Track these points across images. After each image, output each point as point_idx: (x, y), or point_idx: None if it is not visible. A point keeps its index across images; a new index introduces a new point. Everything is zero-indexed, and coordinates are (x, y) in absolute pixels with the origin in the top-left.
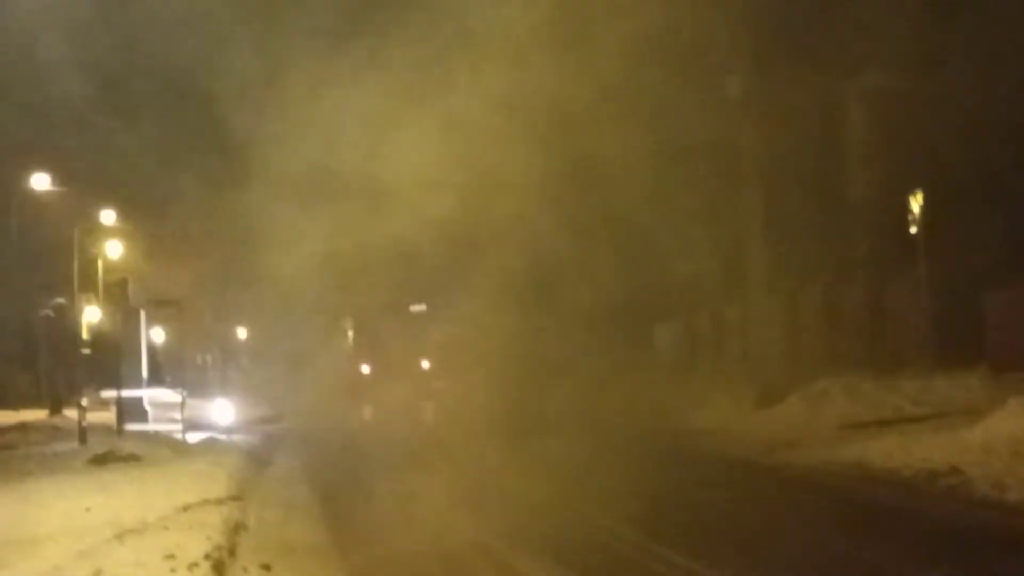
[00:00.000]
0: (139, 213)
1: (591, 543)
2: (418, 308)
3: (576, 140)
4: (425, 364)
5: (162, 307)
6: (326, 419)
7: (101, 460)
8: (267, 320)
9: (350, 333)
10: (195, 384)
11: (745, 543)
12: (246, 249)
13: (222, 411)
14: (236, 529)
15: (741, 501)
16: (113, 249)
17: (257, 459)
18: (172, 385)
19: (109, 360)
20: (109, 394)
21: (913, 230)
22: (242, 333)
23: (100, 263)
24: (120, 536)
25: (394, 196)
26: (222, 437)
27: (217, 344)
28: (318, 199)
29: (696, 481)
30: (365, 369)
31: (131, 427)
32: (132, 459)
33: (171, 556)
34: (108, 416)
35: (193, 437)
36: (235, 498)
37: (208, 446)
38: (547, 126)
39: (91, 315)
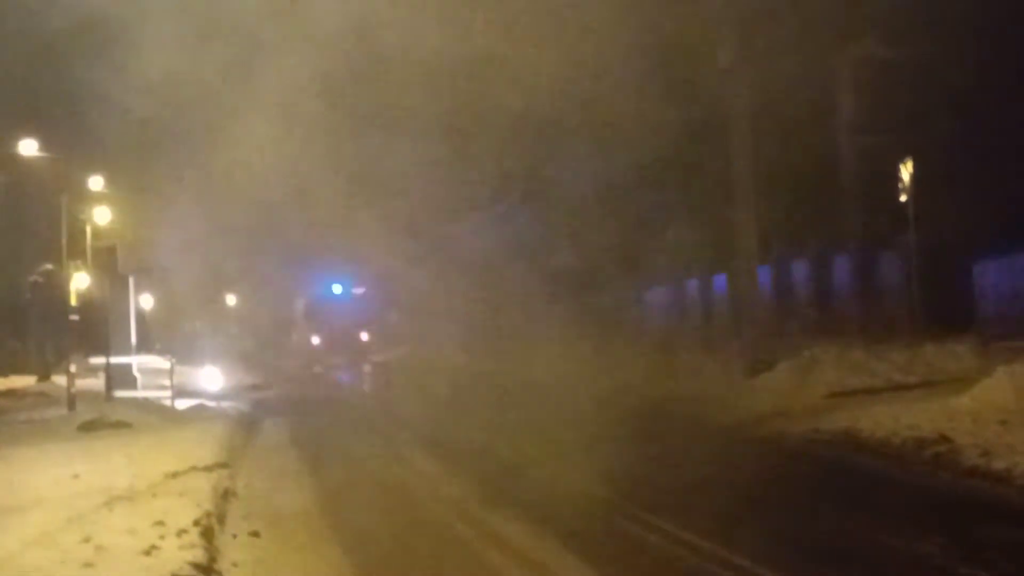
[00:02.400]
0: (128, 179)
1: (569, 506)
2: (359, 290)
3: (562, 106)
4: (364, 337)
5: (151, 273)
6: (309, 386)
7: (90, 427)
8: (254, 288)
9: (302, 310)
10: (184, 351)
11: (730, 511)
12: (235, 215)
13: (211, 378)
14: (225, 496)
15: (727, 469)
16: (101, 215)
17: (246, 426)
18: (161, 352)
19: (98, 326)
20: (98, 361)
21: (903, 199)
22: (231, 300)
23: (88, 229)
24: (109, 503)
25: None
26: (211, 404)
27: (206, 311)
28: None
29: (681, 450)
30: (315, 340)
31: (120, 394)
32: (121, 426)
33: (160, 523)
34: (97, 383)
35: (182, 404)
36: (224, 465)
37: (197, 413)
38: (531, 90)
39: (80, 282)
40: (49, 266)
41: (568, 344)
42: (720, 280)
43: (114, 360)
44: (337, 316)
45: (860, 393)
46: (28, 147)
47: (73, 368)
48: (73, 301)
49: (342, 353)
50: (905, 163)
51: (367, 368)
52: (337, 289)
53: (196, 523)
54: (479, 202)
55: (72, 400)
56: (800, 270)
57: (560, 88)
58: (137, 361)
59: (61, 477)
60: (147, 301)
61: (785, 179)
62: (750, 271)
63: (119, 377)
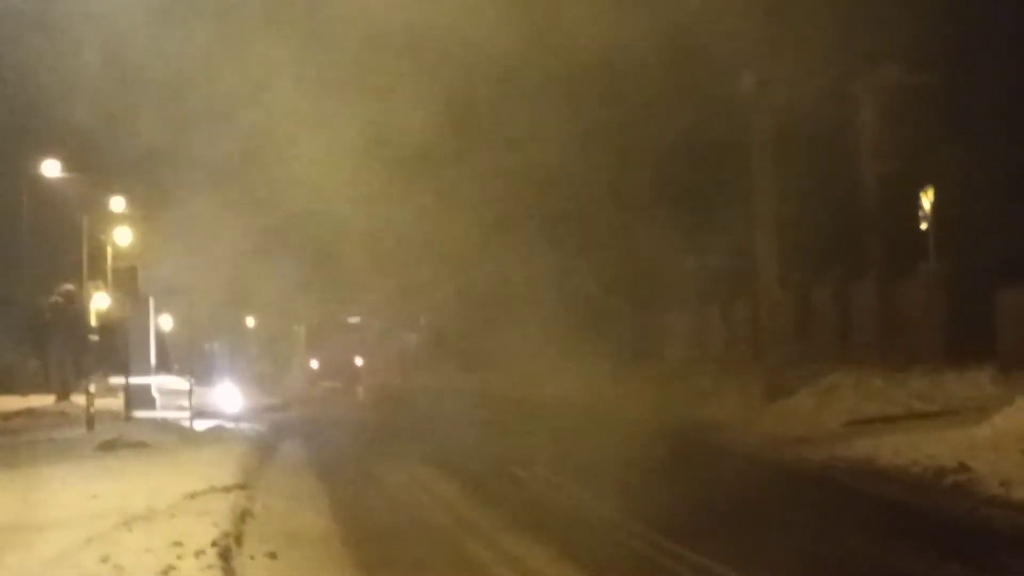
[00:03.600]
0: (149, 200)
1: (585, 530)
2: (354, 319)
3: (587, 133)
4: (359, 361)
5: (171, 294)
6: (326, 408)
7: (109, 447)
8: (273, 310)
9: (303, 336)
10: (203, 371)
11: (750, 537)
12: (254, 238)
13: (229, 398)
14: (243, 517)
15: (746, 496)
16: (122, 236)
17: (263, 447)
18: (180, 372)
19: (117, 347)
20: (117, 380)
21: (924, 226)
22: (250, 321)
23: (109, 250)
24: (127, 523)
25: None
26: (229, 425)
27: (225, 332)
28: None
29: (699, 476)
30: (314, 364)
31: (139, 414)
32: (140, 446)
33: (178, 543)
34: (116, 403)
35: (200, 424)
36: (242, 486)
37: (215, 434)
38: (553, 115)
39: (100, 302)
40: (70, 286)
41: (586, 369)
42: (740, 307)
43: (133, 380)
44: (334, 343)
45: (880, 420)
46: (51, 168)
47: (92, 388)
48: (93, 321)
49: (338, 377)
50: (926, 191)
51: (360, 391)
52: (335, 318)
53: (214, 544)
54: (496, 229)
55: (91, 420)
56: (821, 297)
57: (577, 108)
58: (156, 381)
59: (80, 497)
60: (167, 322)
61: (806, 205)
62: (771, 297)
63: (138, 397)
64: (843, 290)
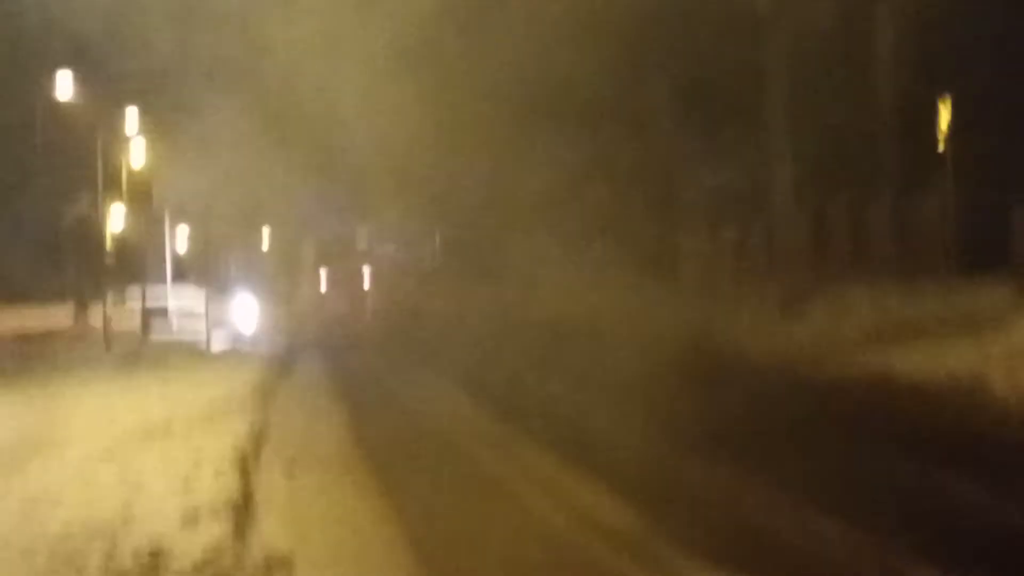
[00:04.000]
0: (163, 115)
1: (599, 443)
2: (365, 237)
3: (597, 47)
4: (366, 285)
5: (186, 211)
6: (336, 327)
7: (127, 366)
8: (291, 225)
9: (312, 258)
10: (219, 288)
11: (769, 451)
12: (271, 151)
13: (246, 317)
14: (261, 433)
15: (756, 411)
16: (137, 152)
17: (280, 365)
18: (196, 283)
19: (135, 264)
20: (134, 298)
21: (941, 140)
22: (267, 237)
23: (124, 167)
24: (145, 438)
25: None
26: (246, 344)
27: (241, 248)
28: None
29: (710, 392)
30: (323, 286)
31: (156, 335)
32: (157, 365)
33: (196, 461)
34: (133, 323)
35: (217, 344)
36: (259, 404)
37: (232, 353)
38: (566, 32)
39: (116, 221)
40: (87, 202)
41: (602, 283)
42: (757, 224)
43: (150, 303)
44: (340, 265)
45: (895, 334)
46: (64, 84)
47: (110, 306)
48: (108, 240)
49: (345, 299)
50: (944, 100)
51: (368, 314)
52: (344, 236)
53: (231, 461)
54: (505, 134)
55: (109, 340)
56: (836, 213)
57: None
58: (173, 296)
59: (97, 415)
60: (183, 232)
61: (821, 121)
62: (785, 213)
63: (155, 317)
64: (858, 206)
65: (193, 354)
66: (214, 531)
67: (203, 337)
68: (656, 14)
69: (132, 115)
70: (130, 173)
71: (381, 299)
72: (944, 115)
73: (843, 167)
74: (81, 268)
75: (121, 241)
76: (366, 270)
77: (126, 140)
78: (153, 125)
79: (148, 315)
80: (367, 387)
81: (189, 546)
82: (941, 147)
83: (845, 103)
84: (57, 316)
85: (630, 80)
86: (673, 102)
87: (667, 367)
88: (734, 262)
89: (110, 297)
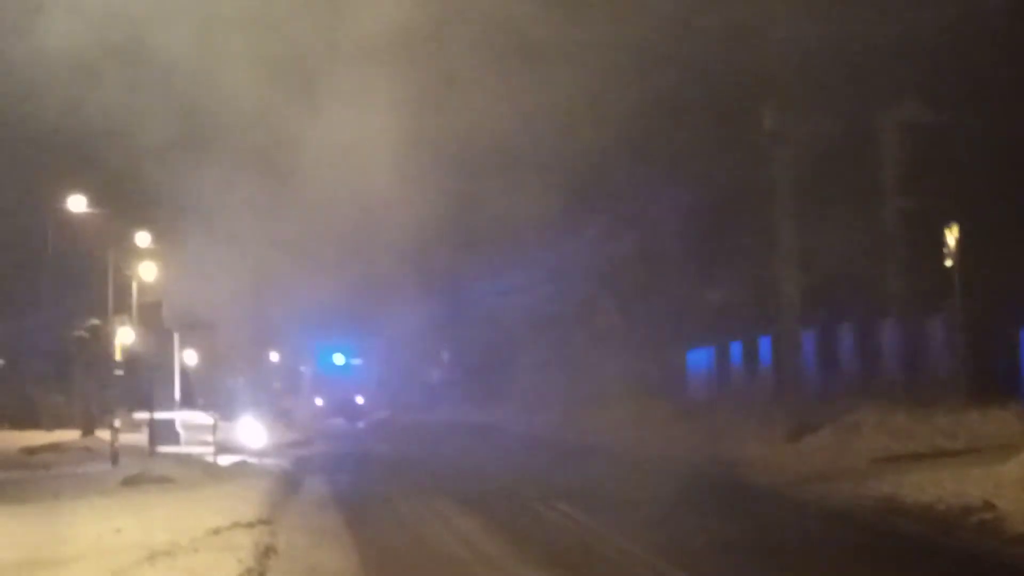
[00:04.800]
0: (174, 234)
1: (605, 563)
2: (356, 361)
3: (601, 162)
4: (360, 400)
5: (195, 329)
6: (349, 443)
7: (133, 481)
8: (294, 346)
9: (309, 376)
10: (227, 406)
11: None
12: (279, 271)
13: (253, 434)
14: (267, 553)
15: (768, 532)
16: (147, 271)
17: (287, 482)
18: (204, 407)
19: (142, 382)
20: (141, 416)
21: (949, 263)
22: (274, 357)
23: (135, 285)
24: (151, 558)
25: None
26: (253, 460)
27: (249, 367)
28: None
29: (720, 512)
30: (319, 402)
31: (163, 449)
32: (164, 481)
33: None
34: (140, 438)
35: (225, 460)
36: (266, 521)
37: (239, 469)
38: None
39: (125, 337)
40: (96, 321)
41: (610, 406)
42: (764, 343)
43: (158, 415)
44: (337, 382)
45: (904, 458)
46: (77, 203)
47: (117, 423)
48: (118, 356)
49: (341, 414)
50: (950, 227)
51: (361, 425)
52: (338, 359)
53: None
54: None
55: (115, 454)
56: (845, 334)
57: (603, 142)
58: (180, 416)
59: (103, 531)
60: (191, 357)
61: (829, 241)
62: (793, 333)
63: (162, 432)
64: (867, 327)
65: (200, 468)
66: None
67: (210, 451)
68: (660, 137)
69: (144, 237)
70: (140, 291)
71: (374, 415)
72: (951, 238)
73: (851, 287)
74: (89, 381)
75: (130, 357)
76: (359, 390)
77: (137, 259)
78: (163, 245)
79: (156, 427)
80: (378, 508)
81: None
82: (948, 262)
83: (852, 223)
84: (64, 430)
85: (639, 210)
86: (678, 218)
87: (672, 492)
88: (742, 381)
89: (117, 410)
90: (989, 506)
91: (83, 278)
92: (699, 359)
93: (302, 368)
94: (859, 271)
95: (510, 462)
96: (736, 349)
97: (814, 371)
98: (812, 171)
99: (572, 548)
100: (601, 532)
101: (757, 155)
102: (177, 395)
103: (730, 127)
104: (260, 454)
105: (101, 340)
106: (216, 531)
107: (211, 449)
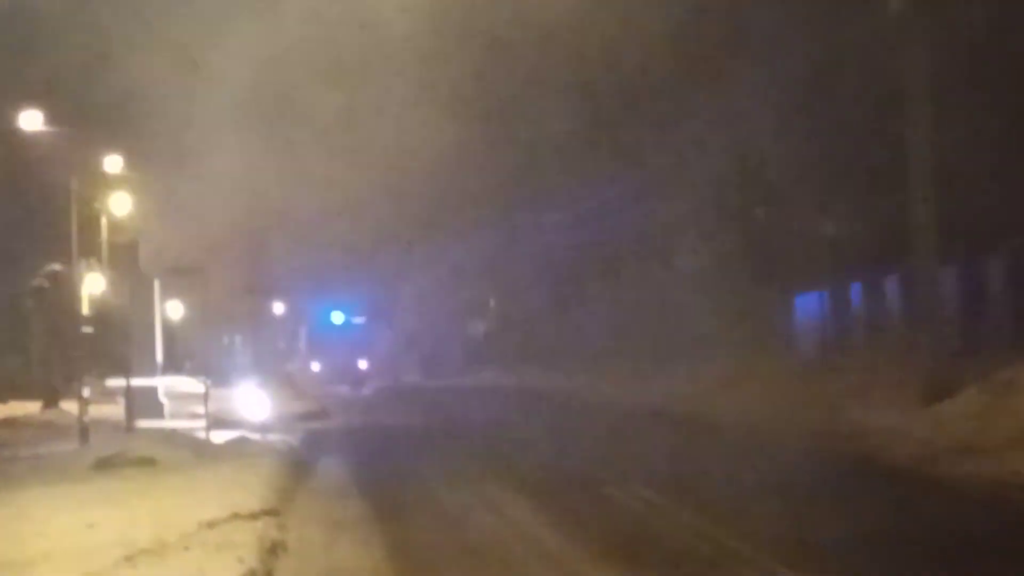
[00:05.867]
0: (153, 161)
1: (699, 565)
2: (359, 319)
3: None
4: (363, 364)
5: (181, 275)
6: (373, 414)
7: (107, 464)
8: (306, 294)
9: (304, 338)
10: (221, 370)
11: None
12: (286, 204)
13: (254, 404)
14: (273, 550)
15: (900, 522)
16: (120, 204)
17: (297, 463)
18: (193, 372)
19: (116, 341)
20: (116, 383)
21: None
22: (279, 308)
23: (104, 221)
24: (130, 559)
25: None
26: (255, 436)
27: (248, 321)
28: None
29: (844, 498)
30: (315, 366)
31: (143, 424)
32: (145, 463)
33: None
34: (115, 410)
35: (220, 436)
36: (272, 512)
37: (237, 448)
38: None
39: (93, 285)
40: (56, 267)
41: (694, 367)
42: (891, 284)
43: (136, 383)
44: (337, 344)
45: None
46: (31, 120)
47: (86, 392)
48: (86, 309)
49: (341, 380)
50: None
51: (367, 392)
52: (337, 318)
53: None
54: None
55: (85, 432)
56: (994, 271)
57: (687, 41)
58: (164, 383)
59: (73, 526)
60: (176, 309)
61: (974, 155)
62: (929, 270)
63: (142, 403)
64: (1021, 263)
65: (189, 447)
66: None
67: (202, 425)
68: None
69: (114, 161)
70: (111, 229)
71: (380, 380)
72: None
73: (1003, 212)
74: (51, 341)
75: (101, 310)
76: (361, 352)
77: (107, 189)
78: (139, 173)
79: (134, 397)
80: (410, 495)
81: None
82: None
83: (1004, 132)
84: (21, 402)
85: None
86: (784, 126)
87: (779, 472)
88: (864, 333)
89: (86, 377)
90: None
91: (40, 213)
92: (810, 305)
93: (301, 329)
94: (1012, 191)
95: (577, 438)
96: (856, 292)
97: (955, 318)
98: (953, 67)
99: (663, 548)
100: (699, 527)
101: (884, 46)
102: (159, 357)
103: (848, 6)
104: (263, 429)
105: (63, 290)
106: (211, 524)
107: (202, 423)
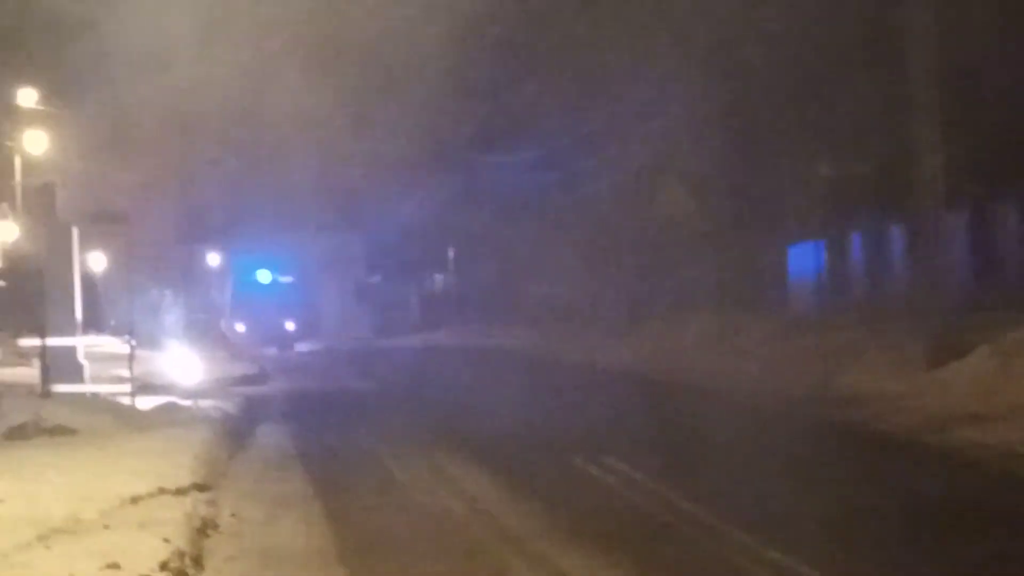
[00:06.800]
0: (73, 95)
1: (675, 543)
2: (286, 278)
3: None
4: (290, 325)
5: (104, 223)
6: (318, 379)
7: (18, 434)
8: (242, 241)
9: (228, 297)
10: (148, 330)
11: (908, 559)
12: (217, 145)
13: (185, 367)
14: (203, 529)
15: (900, 495)
16: (34, 142)
17: (233, 432)
18: (117, 331)
19: (30, 296)
20: (29, 343)
21: None
22: (214, 260)
23: (17, 160)
24: (44, 538)
25: None
26: (185, 403)
27: (180, 275)
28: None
29: (839, 470)
30: (240, 328)
31: (60, 388)
32: (62, 432)
33: (114, 565)
34: (28, 373)
35: (147, 402)
36: (203, 487)
37: (166, 415)
38: None
39: (5, 233)
40: None
41: (673, 325)
42: (894, 234)
43: (52, 342)
44: (263, 304)
45: None
46: None
47: None
48: None
49: (267, 342)
50: None
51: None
52: (263, 277)
53: (163, 566)
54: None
55: None
56: (1006, 219)
57: None
58: (84, 343)
59: None
60: (98, 261)
61: (984, 90)
62: (935, 219)
63: (59, 365)
64: None
65: (111, 414)
66: None
67: (126, 390)
68: None
69: (28, 95)
70: (25, 171)
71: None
72: None
73: (1014, 156)
74: None
75: (13, 261)
76: (288, 313)
77: (19, 125)
78: (56, 107)
79: (50, 358)
80: (358, 467)
81: None
82: None
83: (1016, 70)
84: None
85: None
86: (778, 58)
87: (768, 441)
88: (863, 286)
89: None
90: None
91: None
92: (805, 257)
93: (224, 289)
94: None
95: (544, 403)
96: (856, 243)
97: (963, 272)
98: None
99: (622, 522)
100: (677, 503)
101: None
102: (79, 314)
103: None
104: (195, 394)
105: None
106: (134, 500)
107: (127, 388)
